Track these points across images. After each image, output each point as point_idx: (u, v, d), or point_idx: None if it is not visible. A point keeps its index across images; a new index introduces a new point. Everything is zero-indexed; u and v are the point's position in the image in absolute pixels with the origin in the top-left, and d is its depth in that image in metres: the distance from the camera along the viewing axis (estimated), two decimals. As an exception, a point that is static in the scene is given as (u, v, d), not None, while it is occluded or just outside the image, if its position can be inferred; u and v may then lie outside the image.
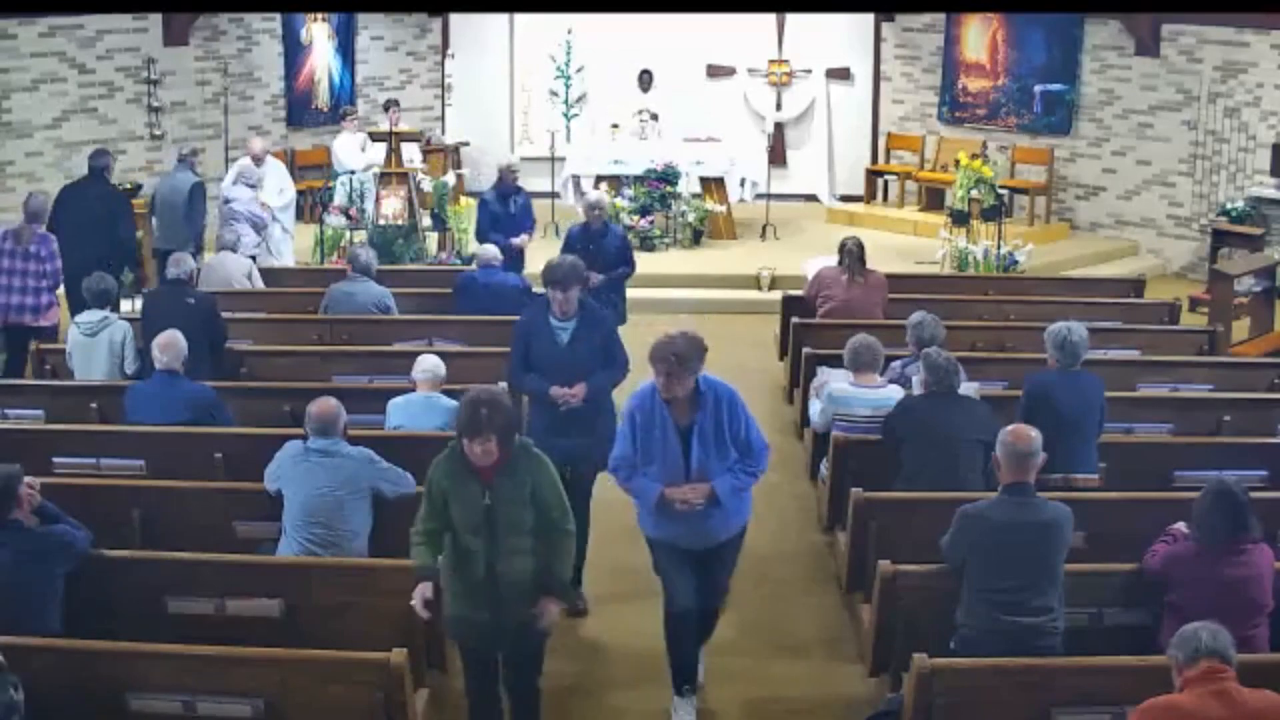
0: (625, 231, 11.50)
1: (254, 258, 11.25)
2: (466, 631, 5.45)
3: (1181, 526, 5.78)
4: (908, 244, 14.64)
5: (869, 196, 16.46)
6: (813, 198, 16.84)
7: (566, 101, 16.22)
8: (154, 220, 11.96)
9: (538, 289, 9.41)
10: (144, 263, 12.28)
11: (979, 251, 13.25)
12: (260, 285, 10.72)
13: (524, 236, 11.46)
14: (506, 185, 11.49)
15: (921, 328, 7.80)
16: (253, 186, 12.03)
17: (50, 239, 9.97)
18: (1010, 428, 5.74)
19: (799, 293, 10.56)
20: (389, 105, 14.54)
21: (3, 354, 9.92)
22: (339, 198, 13.25)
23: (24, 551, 5.46)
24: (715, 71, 16.86)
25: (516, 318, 9.51)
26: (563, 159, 15.08)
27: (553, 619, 5.47)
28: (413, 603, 5.31)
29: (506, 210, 11.45)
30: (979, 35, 16.04)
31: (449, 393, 7.74)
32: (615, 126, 15.69)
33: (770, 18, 16.51)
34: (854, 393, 7.60)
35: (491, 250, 10.30)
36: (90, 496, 6.60)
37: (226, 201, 11.87)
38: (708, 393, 5.90)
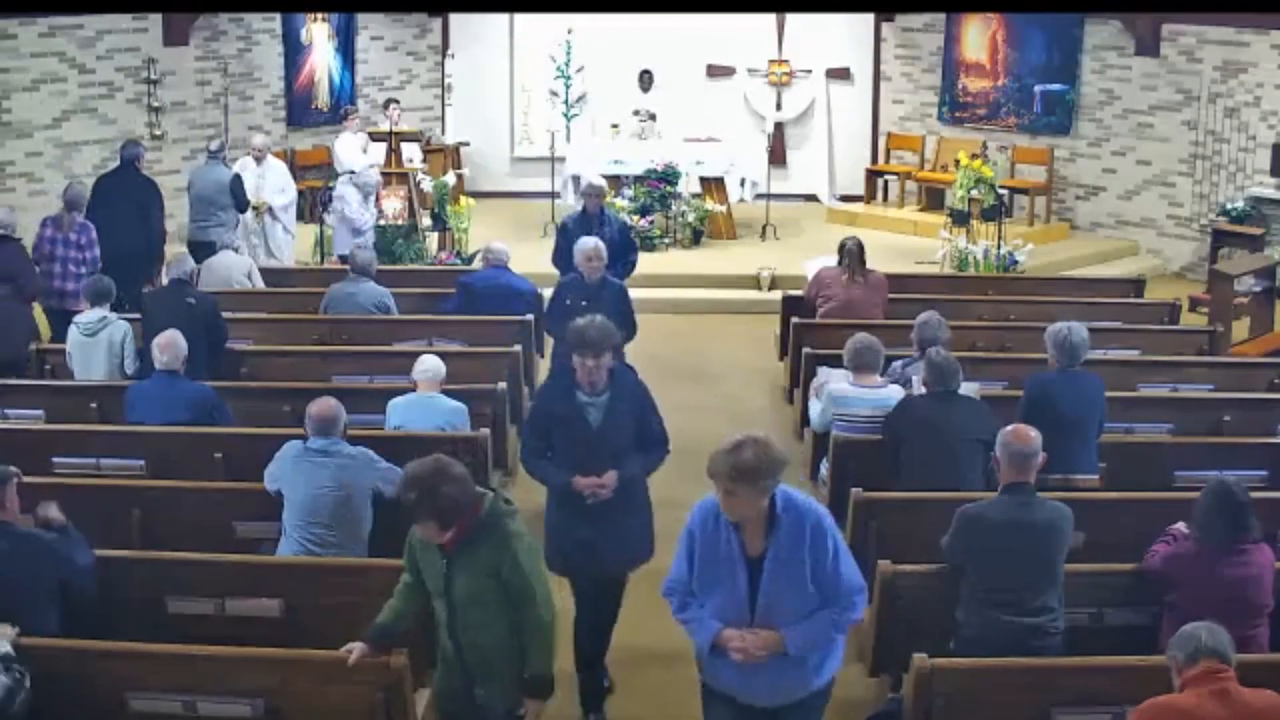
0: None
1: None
2: (445, 701, 5.12)
3: (1181, 526, 5.78)
4: (908, 244, 14.64)
5: (869, 196, 16.46)
6: (813, 198, 16.84)
7: (566, 101, 16.22)
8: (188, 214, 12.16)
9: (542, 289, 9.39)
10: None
11: (979, 251, 13.25)
12: (260, 285, 10.73)
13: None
14: (590, 211, 10.19)
15: (926, 327, 7.80)
16: (359, 187, 12.21)
17: (89, 227, 10.42)
18: (1010, 428, 5.74)
19: (799, 293, 10.56)
20: (389, 104, 14.56)
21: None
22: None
23: (13, 551, 5.44)
24: (715, 71, 16.86)
25: (522, 318, 9.54)
26: (563, 159, 15.08)
27: (534, 717, 4.95)
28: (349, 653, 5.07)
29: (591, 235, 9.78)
30: (979, 35, 16.03)
31: (449, 393, 7.75)
32: (615, 126, 15.70)
33: (770, 18, 16.51)
34: (854, 393, 7.60)
35: (501, 246, 10.07)
36: (90, 496, 6.60)
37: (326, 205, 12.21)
38: (786, 516, 4.67)
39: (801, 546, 4.66)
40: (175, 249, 11.06)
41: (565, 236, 9.91)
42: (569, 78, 16.17)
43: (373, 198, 12.55)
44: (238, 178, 11.84)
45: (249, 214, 12.22)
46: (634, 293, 10.83)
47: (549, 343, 9.61)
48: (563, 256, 9.65)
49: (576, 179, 14.86)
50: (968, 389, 7.27)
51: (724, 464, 4.55)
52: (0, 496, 5.48)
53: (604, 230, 9.85)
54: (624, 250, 10.08)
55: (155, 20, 14.27)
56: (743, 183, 15.08)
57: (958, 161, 14.12)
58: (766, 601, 4.67)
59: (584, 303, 8.18)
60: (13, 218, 10.14)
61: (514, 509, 4.96)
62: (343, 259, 11.74)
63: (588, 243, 8.71)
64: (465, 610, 4.86)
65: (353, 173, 13.40)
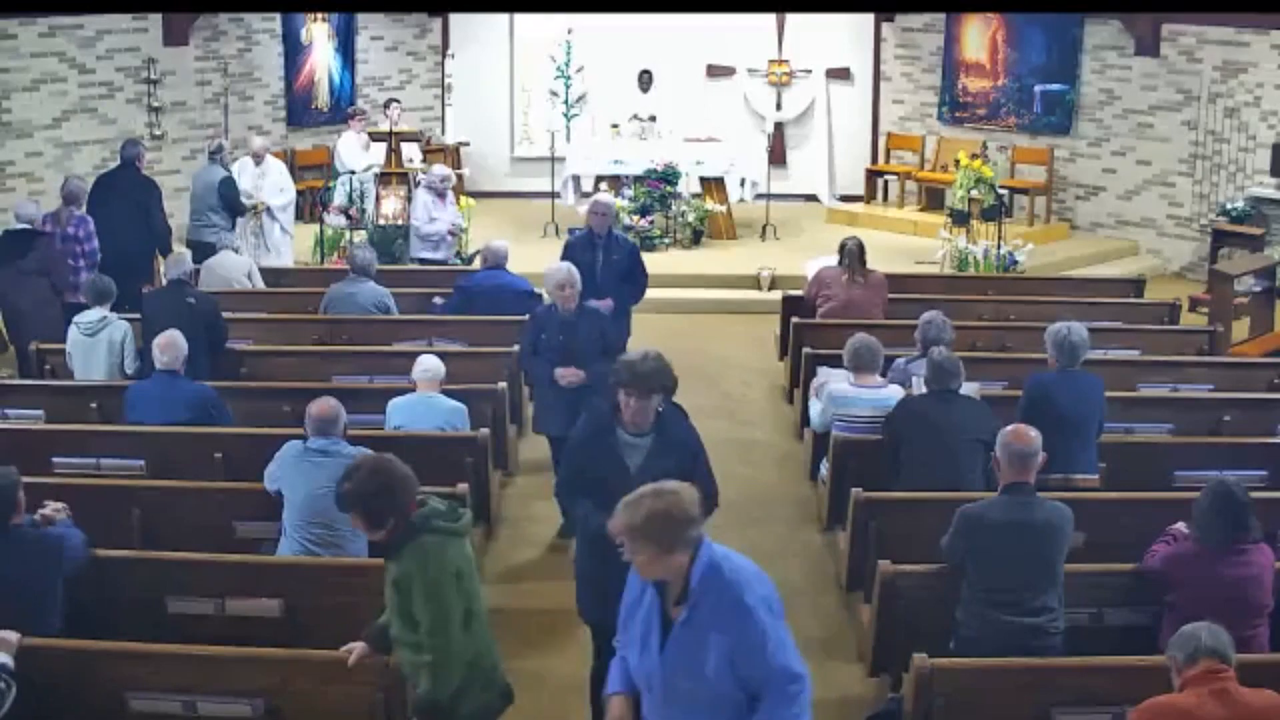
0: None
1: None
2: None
3: (1181, 526, 5.78)
4: (908, 244, 14.64)
5: (869, 196, 16.46)
6: (813, 198, 16.84)
7: (566, 101, 16.21)
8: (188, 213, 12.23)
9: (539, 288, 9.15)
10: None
11: (979, 251, 13.25)
12: (260, 285, 10.73)
13: (607, 302, 8.90)
14: (597, 231, 9.35)
15: (930, 326, 7.81)
16: (442, 195, 12.08)
17: (87, 220, 10.54)
18: (1010, 428, 5.74)
19: (799, 293, 10.56)
20: (389, 104, 14.56)
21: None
22: (339, 198, 13.25)
23: (22, 552, 5.47)
24: (715, 71, 16.86)
25: (523, 318, 9.35)
26: (563, 159, 15.09)
27: None
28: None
29: (594, 259, 9.20)
30: (979, 35, 16.03)
31: (449, 393, 7.76)
32: (615, 127, 15.70)
33: (770, 18, 16.51)
34: (854, 393, 7.60)
35: (501, 246, 10.01)
36: (90, 496, 6.60)
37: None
38: (701, 588, 4.04)
39: (712, 629, 4.01)
40: (177, 249, 11.09)
41: (569, 258, 9.00)
42: (569, 78, 16.17)
43: (449, 197, 12.26)
44: (228, 180, 11.78)
45: (248, 215, 12.23)
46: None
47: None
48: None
49: (577, 179, 14.88)
50: (968, 389, 7.27)
51: (620, 518, 4.08)
52: (14, 498, 5.51)
53: (611, 255, 9.19)
54: (633, 275, 9.35)
55: (155, 20, 14.27)
56: (743, 183, 15.08)
57: (958, 161, 14.12)
58: (665, 682, 4.13)
59: (560, 337, 7.72)
60: (39, 212, 10.33)
61: (453, 526, 4.74)
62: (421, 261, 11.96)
63: (558, 270, 7.87)
64: (395, 623, 4.81)
65: (352, 173, 13.44)
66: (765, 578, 4.19)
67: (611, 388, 5.44)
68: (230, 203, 11.73)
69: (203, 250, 11.13)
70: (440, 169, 12.49)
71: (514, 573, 7.75)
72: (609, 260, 9.21)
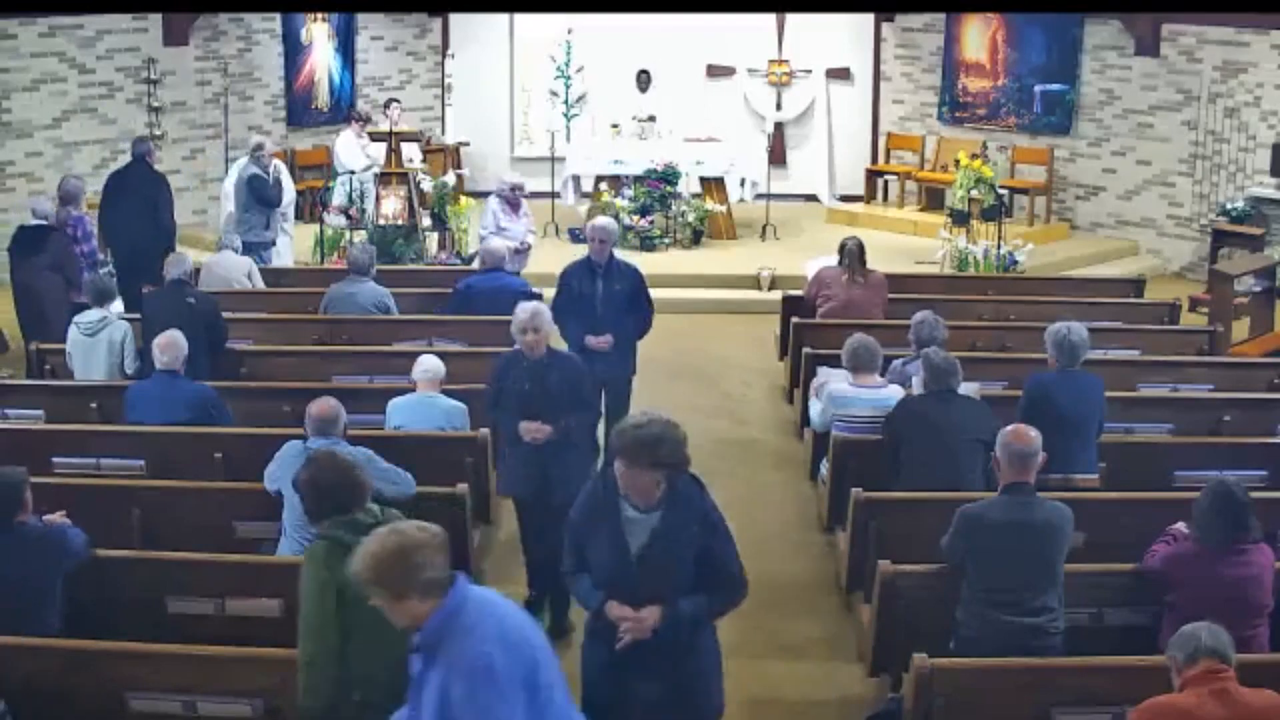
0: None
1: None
2: None
3: (1181, 526, 5.78)
4: (908, 244, 14.64)
5: (869, 196, 16.46)
6: (813, 198, 16.84)
7: (566, 101, 16.22)
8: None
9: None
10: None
11: (979, 251, 13.25)
12: (260, 285, 10.73)
13: (606, 338, 8.30)
14: (596, 259, 8.46)
15: (922, 327, 7.80)
16: (515, 206, 11.52)
17: (85, 219, 10.73)
18: (1010, 428, 5.74)
19: (799, 293, 10.55)
20: (389, 104, 14.56)
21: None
22: (339, 198, 13.25)
23: (25, 549, 5.47)
24: (715, 71, 16.86)
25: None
26: (563, 159, 15.09)
27: None
28: None
29: (594, 289, 8.42)
30: (979, 35, 16.03)
31: (449, 393, 7.75)
32: (615, 127, 15.70)
33: (770, 18, 16.51)
34: (854, 393, 7.60)
35: (497, 246, 9.97)
36: (90, 496, 6.60)
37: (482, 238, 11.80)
38: (434, 638, 3.89)
39: (443, 682, 3.82)
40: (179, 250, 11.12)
41: (567, 293, 8.42)
42: (569, 78, 16.17)
43: (524, 207, 11.65)
44: (255, 177, 11.73)
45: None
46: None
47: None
48: (562, 314, 8.00)
49: (577, 179, 14.88)
50: (968, 389, 7.28)
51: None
52: (20, 496, 5.52)
53: (614, 285, 8.37)
54: (638, 304, 8.49)
55: (155, 20, 14.28)
56: (743, 183, 15.08)
57: (958, 161, 14.12)
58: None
59: (526, 385, 6.77)
60: (52, 208, 10.42)
61: (343, 538, 4.65)
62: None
63: (521, 311, 6.84)
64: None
65: (352, 173, 13.43)
66: (515, 641, 3.84)
67: (609, 453, 4.79)
68: (261, 197, 11.72)
69: (250, 250, 11.25)
70: (512, 177, 11.84)
71: (514, 574, 7.74)
72: (610, 290, 8.36)
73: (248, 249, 11.19)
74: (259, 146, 12.04)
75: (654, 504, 4.68)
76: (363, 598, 4.00)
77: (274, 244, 11.94)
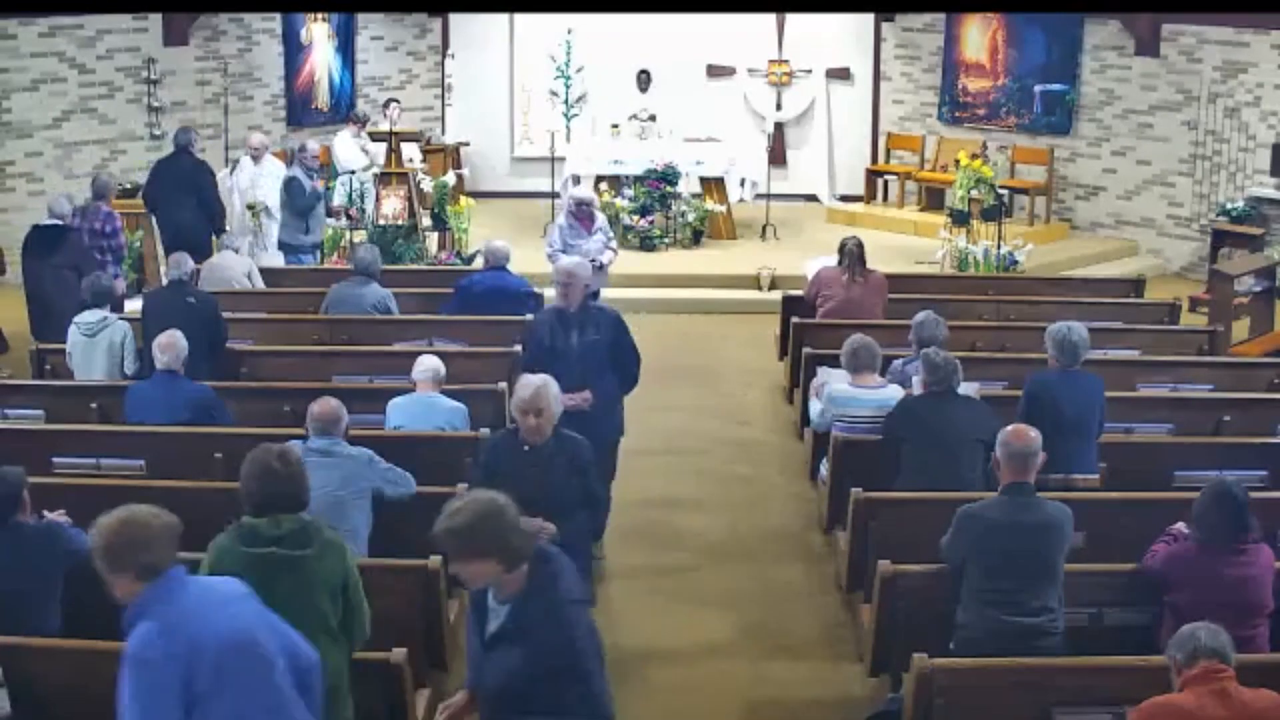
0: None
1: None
2: None
3: (1181, 526, 5.78)
4: (908, 244, 14.65)
5: (869, 196, 16.47)
6: (813, 198, 16.85)
7: (566, 101, 16.23)
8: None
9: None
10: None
11: (979, 251, 13.25)
12: (260, 285, 10.73)
13: (585, 394, 7.00)
14: (568, 305, 7.23)
15: (923, 327, 7.80)
16: (587, 220, 10.56)
17: (115, 215, 11.00)
18: (1010, 428, 5.74)
19: (799, 293, 10.55)
20: (389, 104, 14.56)
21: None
22: (339, 198, 13.25)
23: (24, 548, 5.47)
24: (715, 71, 16.86)
25: (524, 318, 9.30)
26: (563, 159, 15.09)
27: None
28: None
29: (567, 343, 7.13)
30: (979, 35, 16.04)
31: (449, 393, 7.75)
32: (615, 127, 15.71)
33: (770, 18, 16.52)
34: (854, 393, 7.60)
35: (501, 246, 9.92)
36: (90, 496, 6.58)
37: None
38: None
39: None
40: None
41: (536, 348, 7.22)
42: (569, 78, 16.18)
43: (599, 220, 10.73)
44: (291, 180, 11.82)
45: (245, 214, 12.24)
46: (634, 293, 10.79)
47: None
48: (530, 368, 6.64)
49: (577, 179, 14.88)
50: (968, 389, 7.27)
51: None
52: (19, 496, 5.53)
53: (588, 335, 7.10)
54: (620, 354, 7.24)
55: (155, 20, 14.27)
56: (743, 183, 15.09)
57: (958, 161, 14.13)
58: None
59: (530, 469, 5.66)
60: (69, 208, 10.51)
61: (219, 540, 4.91)
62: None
63: (526, 388, 5.69)
64: None
65: (352, 173, 13.43)
66: (198, 642, 3.84)
67: None
68: (294, 204, 11.84)
69: (286, 251, 11.76)
70: (582, 191, 11.11)
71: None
72: (586, 340, 7.09)
73: (284, 249, 11.51)
74: (302, 148, 12.22)
75: (508, 595, 4.06)
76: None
77: (314, 249, 12.12)
